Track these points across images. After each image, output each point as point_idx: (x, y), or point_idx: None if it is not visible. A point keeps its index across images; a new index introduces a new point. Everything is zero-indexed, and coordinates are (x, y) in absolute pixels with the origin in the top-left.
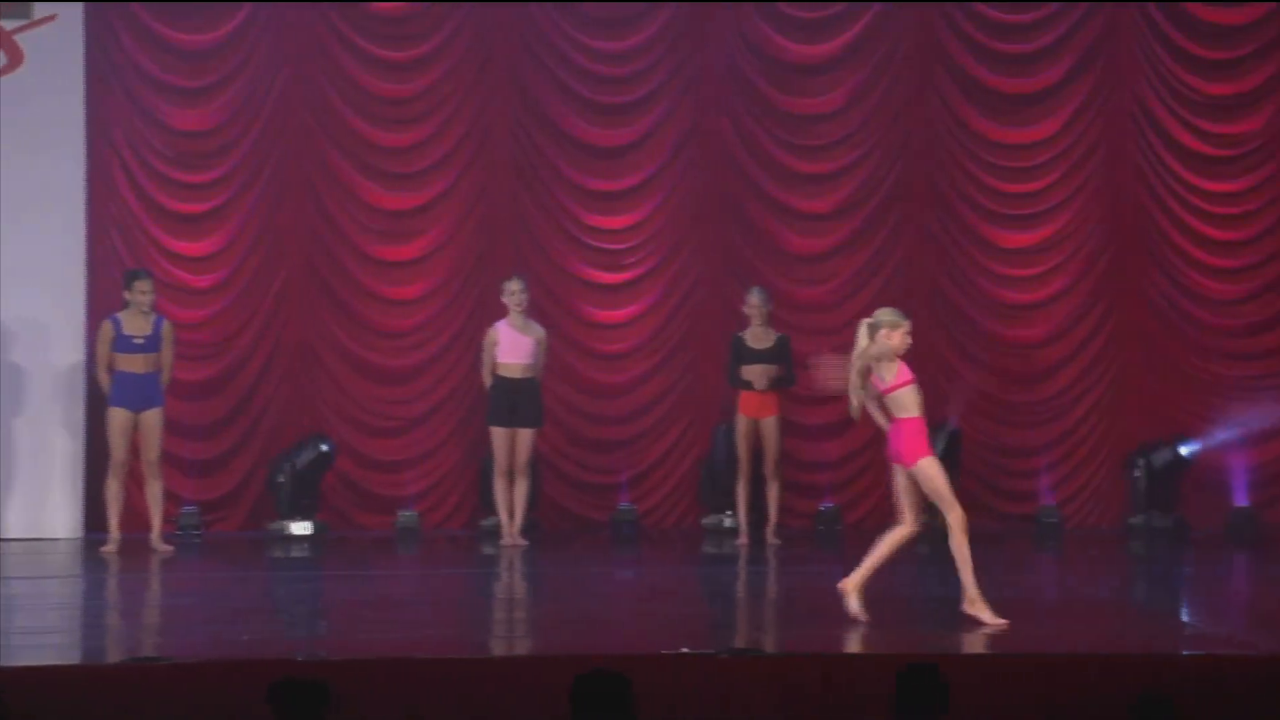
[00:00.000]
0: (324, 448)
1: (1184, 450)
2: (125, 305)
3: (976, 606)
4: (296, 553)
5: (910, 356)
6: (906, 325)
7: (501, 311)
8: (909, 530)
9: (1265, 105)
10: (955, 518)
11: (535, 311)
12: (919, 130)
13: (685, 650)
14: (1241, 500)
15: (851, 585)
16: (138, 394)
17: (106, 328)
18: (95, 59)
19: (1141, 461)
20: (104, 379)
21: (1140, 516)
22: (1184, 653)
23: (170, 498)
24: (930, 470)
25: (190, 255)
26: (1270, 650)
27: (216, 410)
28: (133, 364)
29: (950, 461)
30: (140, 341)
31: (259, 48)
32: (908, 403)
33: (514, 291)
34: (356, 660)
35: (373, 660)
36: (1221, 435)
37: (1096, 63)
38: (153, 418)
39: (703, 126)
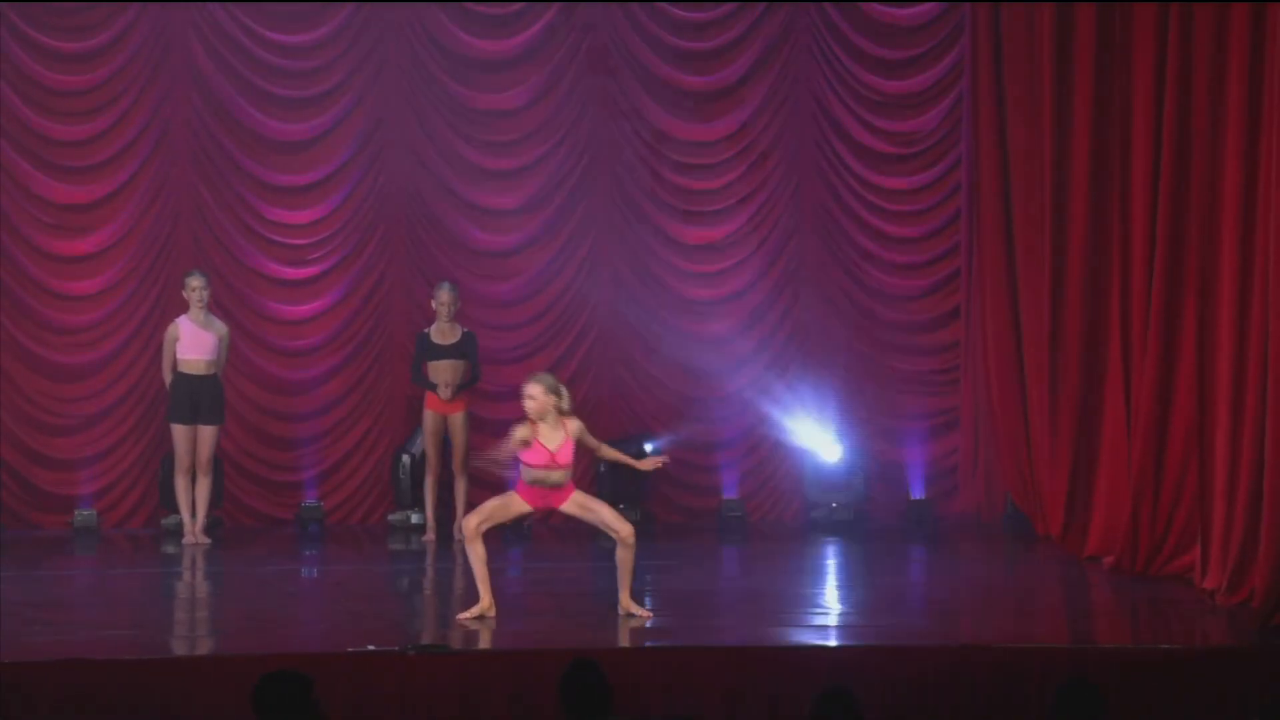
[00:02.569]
0: None
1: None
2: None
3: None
4: None
5: (595, 348)
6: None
7: (182, 307)
8: (626, 536)
9: (939, 103)
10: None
11: (217, 307)
12: (603, 126)
13: (371, 648)
14: (919, 493)
15: (626, 601)
16: None
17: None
18: None
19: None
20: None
21: (822, 510)
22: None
23: None
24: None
25: None
26: (945, 640)
27: None
28: None
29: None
30: None
31: None
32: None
33: (195, 287)
34: (29, 662)
35: (47, 662)
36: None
37: (776, 61)
38: None
39: (387, 121)
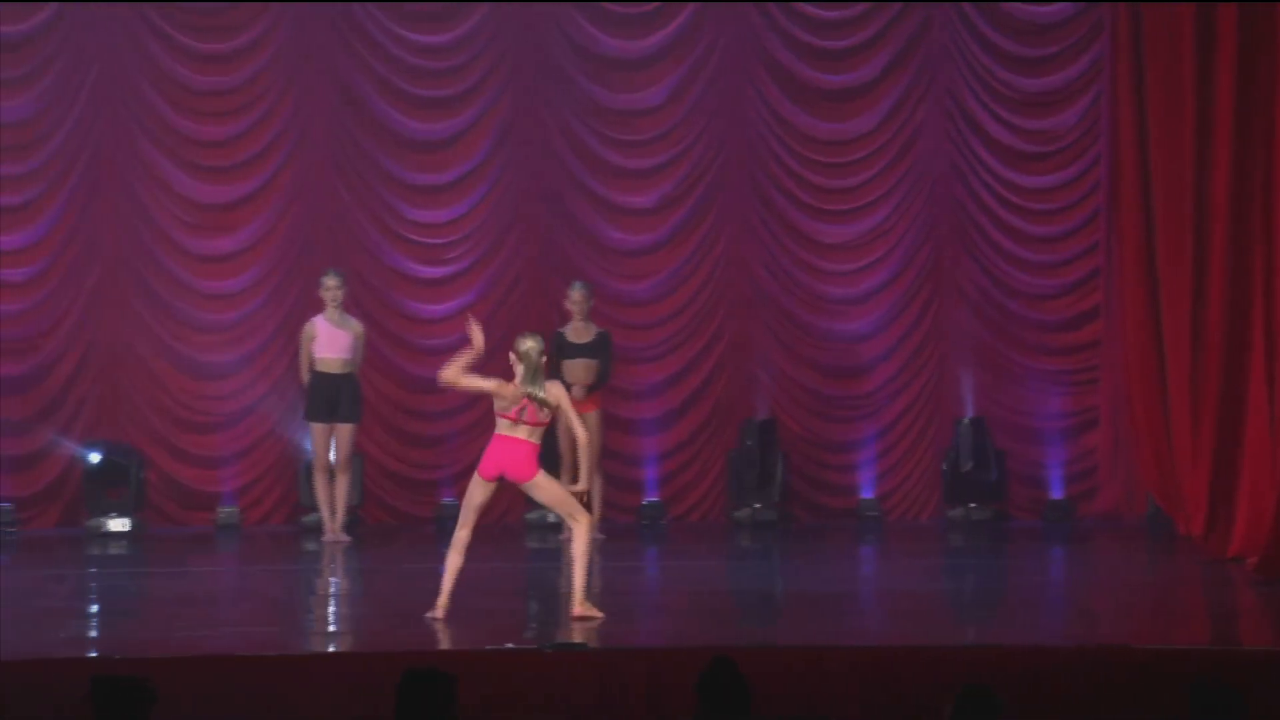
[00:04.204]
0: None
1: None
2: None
3: (585, 606)
4: (114, 550)
5: (730, 346)
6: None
7: (321, 306)
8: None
9: (1078, 100)
10: (586, 522)
11: (356, 306)
12: (738, 125)
13: (509, 646)
14: (1059, 493)
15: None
16: None
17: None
18: None
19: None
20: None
21: (960, 509)
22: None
23: None
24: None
25: (2, 249)
26: (1084, 640)
27: (31, 405)
28: None
29: (767, 454)
30: None
31: (71, 39)
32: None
33: (330, 286)
34: (176, 658)
35: (193, 658)
36: None
37: (912, 59)
38: None
39: (523, 121)
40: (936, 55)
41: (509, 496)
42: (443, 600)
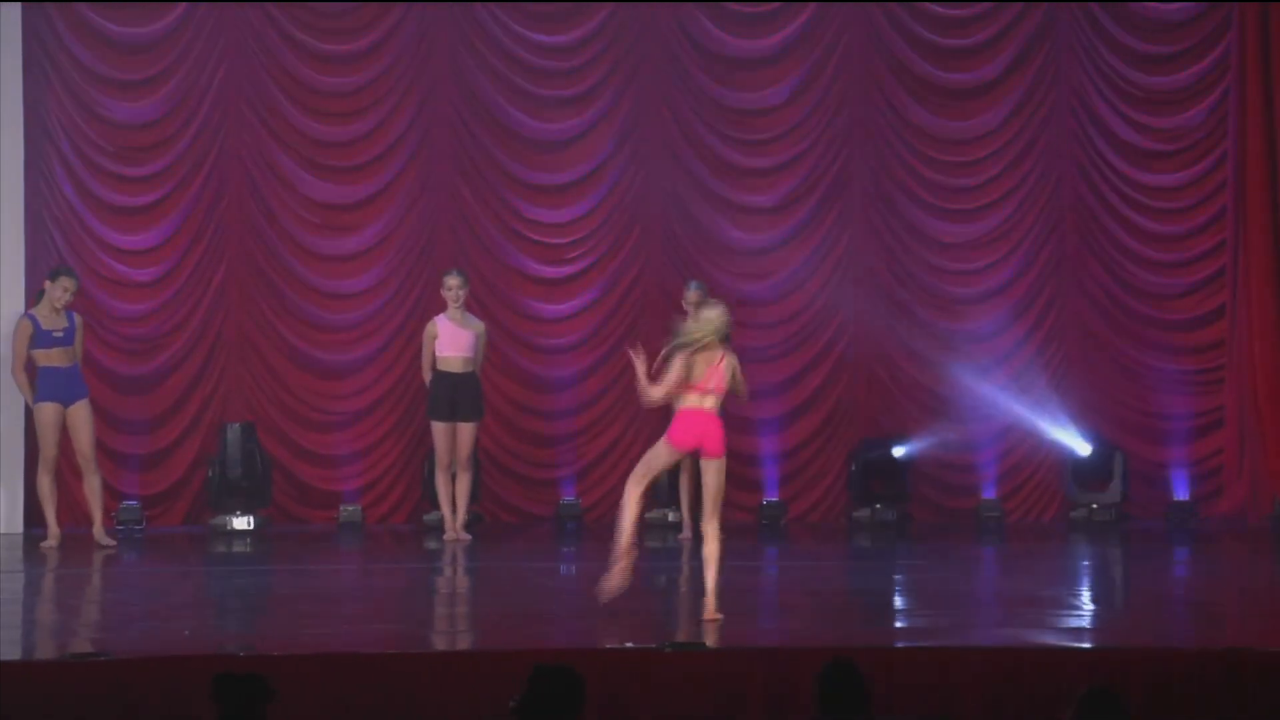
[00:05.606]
0: None
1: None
2: (37, 301)
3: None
4: (238, 548)
5: (851, 346)
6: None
7: (443, 305)
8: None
9: (1203, 99)
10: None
11: (477, 305)
12: (860, 124)
13: (629, 645)
14: (1182, 494)
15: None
16: (64, 388)
17: (25, 325)
18: (33, 51)
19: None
20: (22, 378)
21: (1081, 510)
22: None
23: (111, 493)
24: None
25: (130, 249)
26: (1209, 643)
27: (157, 404)
28: (54, 358)
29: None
30: (59, 335)
31: (197, 41)
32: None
33: (452, 286)
34: (298, 655)
35: (315, 655)
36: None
37: (1035, 57)
38: (81, 410)
39: (644, 120)
40: (1060, 53)
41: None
42: (626, 545)
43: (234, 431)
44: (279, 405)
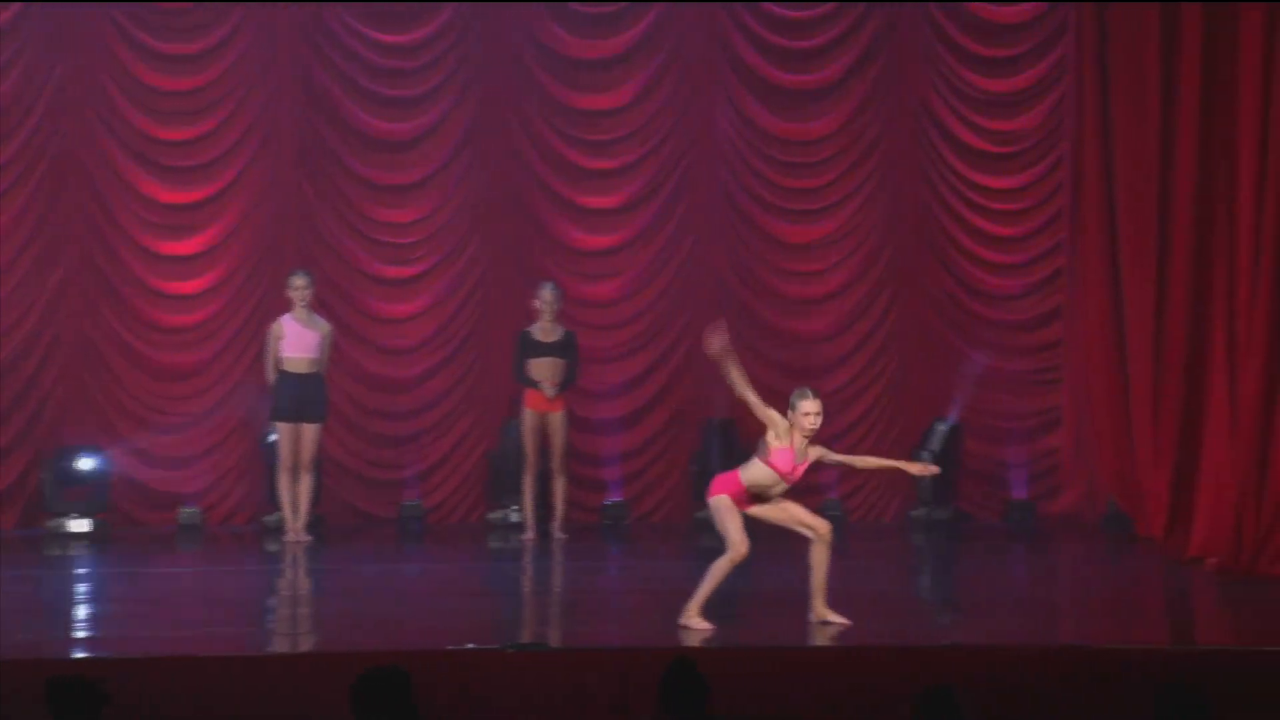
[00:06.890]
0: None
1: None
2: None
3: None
4: (75, 550)
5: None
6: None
7: (286, 306)
8: (825, 533)
9: (1042, 101)
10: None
11: (321, 306)
12: (704, 126)
13: (470, 646)
14: (1020, 493)
15: (821, 608)
16: None
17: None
18: None
19: (925, 455)
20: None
21: (921, 509)
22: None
23: None
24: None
25: None
26: (1045, 641)
27: None
28: None
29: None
30: None
31: (34, 39)
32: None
33: (299, 286)
34: (135, 658)
35: (152, 658)
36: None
37: (878, 59)
38: None
39: (489, 121)
40: (902, 55)
41: (475, 494)
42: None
43: (72, 433)
44: (118, 406)
